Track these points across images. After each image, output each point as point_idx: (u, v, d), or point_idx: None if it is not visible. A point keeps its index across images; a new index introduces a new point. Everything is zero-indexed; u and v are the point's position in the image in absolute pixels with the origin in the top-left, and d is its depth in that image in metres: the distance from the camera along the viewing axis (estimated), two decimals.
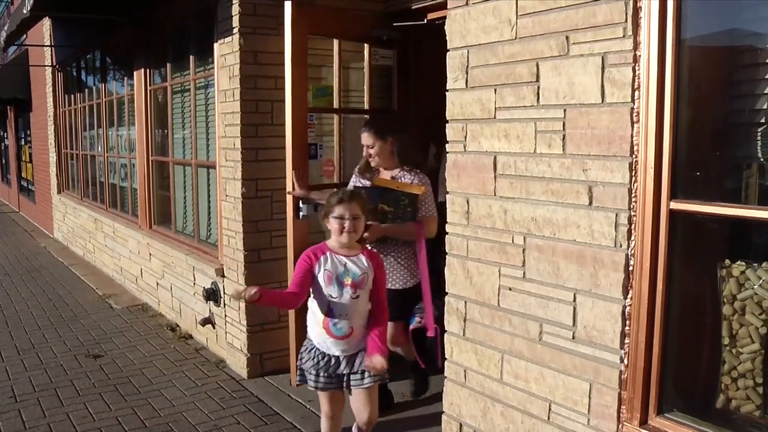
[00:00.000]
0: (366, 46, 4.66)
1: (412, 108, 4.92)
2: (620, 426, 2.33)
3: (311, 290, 3.09)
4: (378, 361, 2.97)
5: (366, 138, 3.92)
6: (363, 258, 3.09)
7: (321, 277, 3.03)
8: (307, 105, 4.31)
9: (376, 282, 3.13)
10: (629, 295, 2.29)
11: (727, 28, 2.30)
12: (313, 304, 3.12)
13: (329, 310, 3.04)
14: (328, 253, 3.05)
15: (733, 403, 2.21)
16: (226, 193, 4.81)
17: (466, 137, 2.87)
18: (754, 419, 2.17)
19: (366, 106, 4.76)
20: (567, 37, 2.41)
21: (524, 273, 2.65)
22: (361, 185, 4.01)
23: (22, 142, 16.30)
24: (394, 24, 4.56)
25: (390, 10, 4.72)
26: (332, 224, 3.06)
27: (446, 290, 3.04)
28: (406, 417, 4.06)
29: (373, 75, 4.76)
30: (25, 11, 7.03)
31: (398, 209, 3.79)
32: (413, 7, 4.44)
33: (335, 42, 4.59)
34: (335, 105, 4.72)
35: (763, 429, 2.16)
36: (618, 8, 2.22)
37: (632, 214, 2.25)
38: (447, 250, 3.03)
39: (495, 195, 2.75)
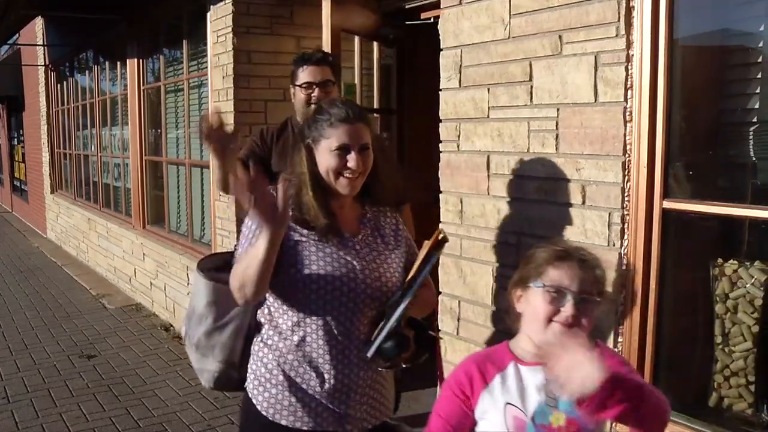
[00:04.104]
0: (375, 44, 4.65)
1: (407, 107, 4.91)
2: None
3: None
4: None
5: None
6: None
7: (495, 425, 1.53)
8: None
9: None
10: (622, 294, 2.29)
11: (719, 27, 2.32)
12: None
13: None
14: (509, 368, 1.55)
15: (725, 402, 2.22)
16: (220, 192, 4.79)
17: (459, 136, 2.87)
18: (746, 417, 2.18)
19: (376, 105, 4.73)
20: (560, 37, 2.41)
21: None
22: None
23: (15, 142, 16.24)
24: (407, 22, 4.54)
25: (384, 9, 4.71)
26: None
27: (439, 289, 3.04)
28: None
29: (381, 74, 4.74)
30: None
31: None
32: (407, 7, 4.44)
33: (356, 39, 4.56)
34: (376, 105, 4.60)
35: (755, 427, 2.17)
36: (611, 8, 2.23)
37: (625, 213, 2.26)
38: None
39: (488, 194, 2.75)
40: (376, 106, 4.71)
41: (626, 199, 2.25)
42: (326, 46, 4.02)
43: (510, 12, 2.60)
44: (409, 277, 1.83)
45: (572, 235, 2.41)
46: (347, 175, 1.83)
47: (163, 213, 6.65)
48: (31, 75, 12.05)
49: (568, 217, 2.42)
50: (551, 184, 2.48)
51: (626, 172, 2.24)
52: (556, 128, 2.45)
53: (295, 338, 1.85)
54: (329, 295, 1.81)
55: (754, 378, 2.16)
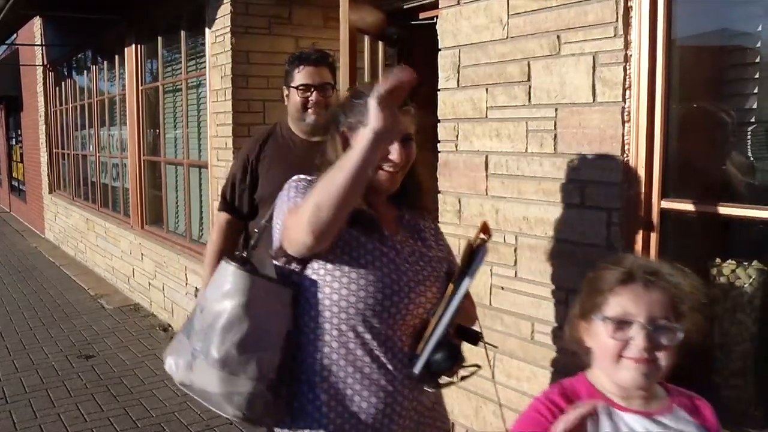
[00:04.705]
0: (381, 44, 4.64)
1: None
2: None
3: None
4: None
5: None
6: (682, 415, 1.37)
7: None
8: None
9: None
10: None
11: (717, 27, 2.32)
12: None
13: None
14: (600, 410, 1.30)
15: (724, 402, 2.22)
16: (218, 192, 4.79)
17: (457, 136, 2.87)
18: (746, 417, 2.18)
19: None
20: (558, 37, 2.41)
21: (516, 272, 2.65)
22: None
23: (13, 142, 16.22)
24: (413, 22, 4.53)
25: (384, 9, 4.70)
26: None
27: None
28: None
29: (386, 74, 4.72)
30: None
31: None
32: (405, 7, 4.43)
33: (366, 39, 4.54)
34: None
35: (755, 427, 2.17)
36: (609, 8, 2.23)
37: (624, 213, 2.26)
38: None
39: (487, 194, 2.75)
40: None
41: (625, 199, 2.25)
42: (344, 46, 3.99)
43: (508, 12, 2.60)
44: (455, 278, 1.60)
45: (570, 235, 2.41)
46: (388, 168, 1.63)
47: (161, 213, 6.64)
48: (30, 75, 12.03)
49: (566, 217, 2.42)
50: (550, 184, 2.48)
51: (624, 172, 2.24)
52: (555, 128, 2.45)
53: (331, 348, 1.61)
54: (371, 297, 1.58)
55: (754, 378, 2.16)
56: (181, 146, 6.00)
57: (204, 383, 1.62)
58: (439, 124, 2.97)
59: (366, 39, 4.48)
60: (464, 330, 1.67)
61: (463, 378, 1.63)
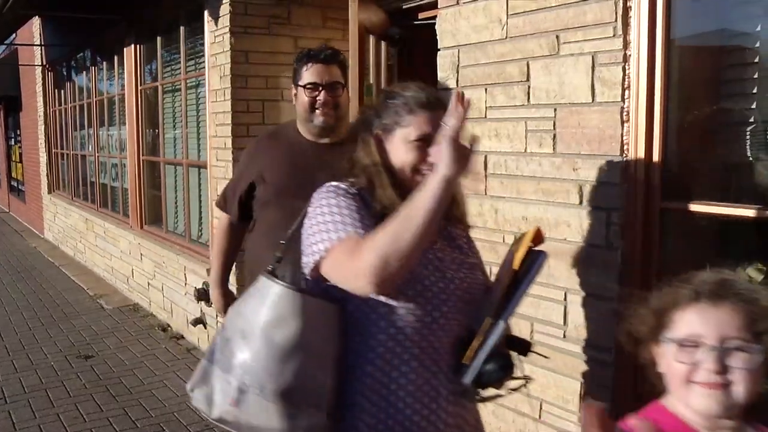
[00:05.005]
0: (384, 44, 4.64)
1: None
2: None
3: None
4: None
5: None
6: None
7: None
8: (364, 103, 4.19)
9: None
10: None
11: (717, 27, 2.32)
12: None
13: None
14: None
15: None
16: (218, 192, 4.79)
17: None
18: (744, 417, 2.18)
19: None
20: (557, 37, 2.41)
21: None
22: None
23: (12, 142, 16.21)
24: (415, 22, 4.53)
25: (384, 9, 4.70)
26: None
27: None
28: None
29: (389, 74, 4.72)
30: None
31: None
32: (404, 7, 4.43)
33: (371, 39, 4.53)
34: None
35: (754, 427, 2.17)
36: (608, 8, 2.23)
37: (623, 213, 2.26)
38: None
39: (486, 194, 2.75)
40: None
41: (624, 199, 2.25)
42: (353, 46, 3.97)
43: (507, 12, 2.60)
44: (505, 284, 1.50)
45: (570, 235, 2.41)
46: (426, 171, 1.51)
47: (160, 213, 6.64)
48: (29, 75, 12.03)
49: (565, 217, 2.43)
50: (549, 184, 2.48)
51: (624, 172, 2.24)
52: (554, 128, 2.45)
53: (375, 366, 1.50)
54: (421, 308, 1.49)
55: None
56: (181, 146, 6.00)
57: (258, 420, 1.46)
58: None
59: (371, 39, 4.48)
60: (513, 339, 1.57)
61: (512, 390, 1.56)
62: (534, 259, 1.50)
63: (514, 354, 1.57)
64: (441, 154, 1.33)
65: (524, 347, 1.60)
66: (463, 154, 1.33)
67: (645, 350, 1.29)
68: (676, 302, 1.22)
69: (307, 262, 1.52)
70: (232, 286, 4.49)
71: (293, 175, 2.49)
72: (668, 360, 1.22)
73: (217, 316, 4.99)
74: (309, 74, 2.48)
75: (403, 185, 1.54)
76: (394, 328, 1.49)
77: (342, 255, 1.43)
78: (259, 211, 2.62)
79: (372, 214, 1.51)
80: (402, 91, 1.58)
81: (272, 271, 1.57)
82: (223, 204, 2.79)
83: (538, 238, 1.51)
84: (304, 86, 2.49)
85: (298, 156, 2.54)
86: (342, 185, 1.58)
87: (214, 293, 2.88)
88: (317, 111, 2.48)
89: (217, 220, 2.88)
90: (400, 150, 1.55)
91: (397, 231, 1.33)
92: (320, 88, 2.47)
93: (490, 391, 1.55)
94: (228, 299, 2.87)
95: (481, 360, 1.46)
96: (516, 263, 1.49)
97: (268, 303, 1.48)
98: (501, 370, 1.48)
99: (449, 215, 1.67)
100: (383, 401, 1.50)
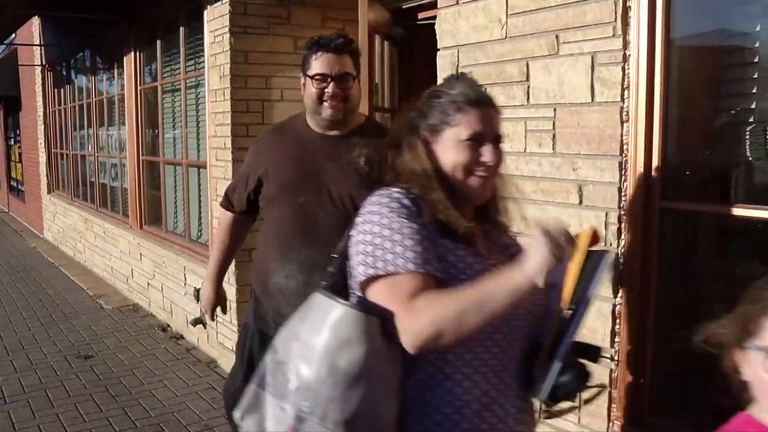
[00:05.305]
0: (387, 43, 4.63)
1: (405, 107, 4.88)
2: (611, 425, 2.33)
3: None
4: None
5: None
6: None
7: None
8: (373, 103, 4.17)
9: None
10: (619, 294, 2.30)
11: (716, 27, 2.32)
12: None
13: None
14: None
15: (725, 402, 2.22)
16: (218, 193, 4.79)
17: None
18: None
19: (387, 105, 4.68)
20: (557, 37, 2.41)
21: None
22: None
23: (12, 142, 16.21)
24: (421, 21, 4.53)
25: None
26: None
27: None
28: None
29: (391, 74, 4.72)
30: None
31: None
32: (404, 7, 4.43)
33: (377, 39, 4.52)
34: (386, 104, 4.53)
35: None
36: (607, 7, 2.23)
37: (622, 213, 2.26)
38: None
39: None
40: (387, 106, 4.69)
41: (623, 198, 2.25)
42: (362, 46, 3.94)
43: (507, 12, 2.60)
44: (567, 291, 1.38)
45: None
46: (480, 173, 1.44)
47: (160, 213, 6.64)
48: (28, 75, 12.03)
49: (565, 217, 2.42)
50: (548, 184, 2.48)
51: (623, 172, 2.24)
52: (553, 128, 2.45)
53: (446, 388, 1.39)
54: (490, 325, 1.36)
55: None
56: (180, 146, 6.00)
57: None
58: None
59: (377, 39, 4.48)
60: (582, 345, 1.44)
61: (587, 401, 1.48)
62: (597, 260, 1.40)
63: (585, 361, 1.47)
64: (533, 253, 1.26)
65: (594, 353, 1.48)
66: (556, 256, 1.25)
67: (727, 357, 1.21)
68: (766, 309, 1.14)
69: (354, 281, 1.44)
70: (232, 285, 4.49)
71: (299, 171, 2.41)
72: (756, 369, 1.15)
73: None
74: (318, 64, 2.34)
75: (455, 189, 1.46)
76: (462, 347, 1.38)
77: (392, 296, 1.33)
78: (265, 209, 2.55)
79: (424, 222, 1.39)
80: (447, 89, 1.49)
81: (328, 288, 1.45)
82: (225, 202, 2.71)
83: (594, 239, 1.40)
84: (312, 77, 2.36)
85: (304, 149, 2.44)
86: (396, 193, 1.44)
87: (206, 288, 2.80)
88: (325, 103, 2.35)
89: (217, 220, 2.85)
90: (450, 151, 1.45)
91: (463, 313, 1.26)
92: (329, 80, 2.33)
93: (563, 404, 1.46)
94: (219, 299, 2.83)
95: (555, 372, 1.35)
96: (576, 267, 1.39)
97: (329, 324, 1.34)
98: (577, 380, 1.39)
99: (495, 211, 1.60)
100: (447, 421, 1.39)
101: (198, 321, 5.38)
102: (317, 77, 2.33)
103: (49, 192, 11.00)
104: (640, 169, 2.20)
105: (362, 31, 4.01)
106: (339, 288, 1.47)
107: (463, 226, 1.42)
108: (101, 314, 6.58)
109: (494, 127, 1.47)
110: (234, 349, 4.72)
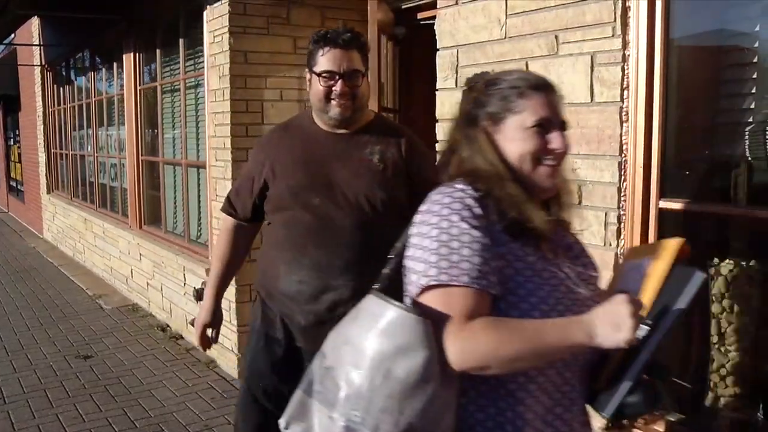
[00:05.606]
0: (390, 43, 4.63)
1: (405, 107, 4.90)
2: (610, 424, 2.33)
3: None
4: None
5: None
6: None
7: None
8: (381, 103, 4.15)
9: None
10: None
11: (715, 27, 2.32)
12: None
13: None
14: None
15: (721, 401, 2.23)
16: (217, 193, 4.79)
17: None
18: (742, 417, 2.19)
19: (390, 105, 4.68)
20: (556, 37, 2.41)
21: None
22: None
23: (11, 142, 16.21)
24: (421, 20, 4.53)
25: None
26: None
27: None
28: None
29: (393, 74, 4.71)
30: None
31: None
32: (404, 7, 4.44)
33: (383, 38, 4.51)
34: (389, 104, 4.42)
35: (751, 426, 2.17)
36: (607, 8, 2.23)
37: (621, 213, 2.26)
38: None
39: None
40: (390, 106, 4.69)
41: (622, 198, 2.25)
42: (371, 46, 3.91)
43: (506, 12, 2.60)
44: (647, 299, 1.26)
45: None
46: (548, 161, 1.34)
47: (159, 213, 6.64)
48: (28, 75, 12.02)
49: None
50: None
51: (622, 172, 2.24)
52: None
53: (509, 404, 1.29)
54: None
55: (751, 378, 2.16)
56: (180, 146, 6.00)
57: None
58: (437, 124, 2.97)
59: (383, 39, 4.47)
60: (651, 363, 1.28)
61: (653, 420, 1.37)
62: (685, 278, 1.26)
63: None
64: (607, 319, 1.17)
65: (665, 373, 1.33)
66: (629, 326, 1.16)
67: None
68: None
69: (409, 286, 1.33)
70: (232, 285, 4.49)
71: (308, 171, 2.28)
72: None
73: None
74: (325, 60, 2.19)
75: (523, 180, 1.33)
76: None
77: (443, 309, 1.23)
78: (272, 213, 2.37)
79: (491, 223, 1.28)
80: (503, 75, 1.39)
81: (382, 290, 1.36)
82: (228, 206, 2.49)
83: (683, 252, 1.27)
84: (319, 74, 2.20)
85: (312, 149, 2.30)
86: (459, 191, 1.30)
87: (204, 305, 2.61)
88: (333, 102, 2.20)
89: (217, 219, 2.76)
90: (515, 140, 1.33)
91: (516, 359, 1.20)
92: (337, 77, 2.18)
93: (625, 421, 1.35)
94: (214, 320, 2.62)
95: (625, 391, 1.25)
96: (659, 279, 1.27)
97: (383, 329, 1.24)
98: (646, 403, 1.26)
99: (559, 204, 1.45)
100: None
101: None
102: (324, 75, 2.19)
103: (48, 192, 11.00)
104: (640, 169, 2.20)
105: (371, 30, 4.00)
106: (393, 291, 1.36)
107: (542, 221, 1.30)
108: (100, 314, 6.57)
109: (559, 113, 1.37)
110: (232, 349, 4.73)
